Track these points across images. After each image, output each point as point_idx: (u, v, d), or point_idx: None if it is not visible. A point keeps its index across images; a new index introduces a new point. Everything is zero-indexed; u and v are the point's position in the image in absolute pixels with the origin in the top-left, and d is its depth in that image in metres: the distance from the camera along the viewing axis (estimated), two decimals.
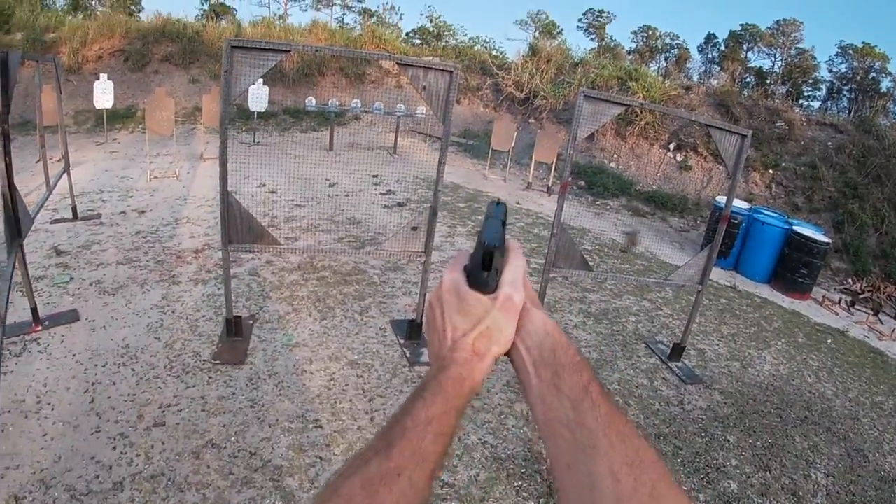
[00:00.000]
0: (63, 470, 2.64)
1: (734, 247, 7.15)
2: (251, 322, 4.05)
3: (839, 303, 6.80)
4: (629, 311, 5.30)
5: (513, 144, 10.05)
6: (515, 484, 2.92)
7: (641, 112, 10.36)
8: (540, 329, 0.59)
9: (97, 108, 8.23)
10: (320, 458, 2.78)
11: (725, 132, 3.97)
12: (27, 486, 2.54)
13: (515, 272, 0.61)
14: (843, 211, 8.40)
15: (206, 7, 22.82)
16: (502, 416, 3.43)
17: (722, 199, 7.43)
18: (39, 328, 3.80)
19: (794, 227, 6.88)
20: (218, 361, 3.54)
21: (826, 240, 6.79)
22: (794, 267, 6.67)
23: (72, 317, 3.99)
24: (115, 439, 2.86)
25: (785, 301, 6.55)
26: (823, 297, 6.89)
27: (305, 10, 35.18)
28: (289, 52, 3.19)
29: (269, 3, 32.66)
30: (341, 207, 7.15)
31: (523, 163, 10.58)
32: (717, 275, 6.87)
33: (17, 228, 3.49)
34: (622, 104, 3.77)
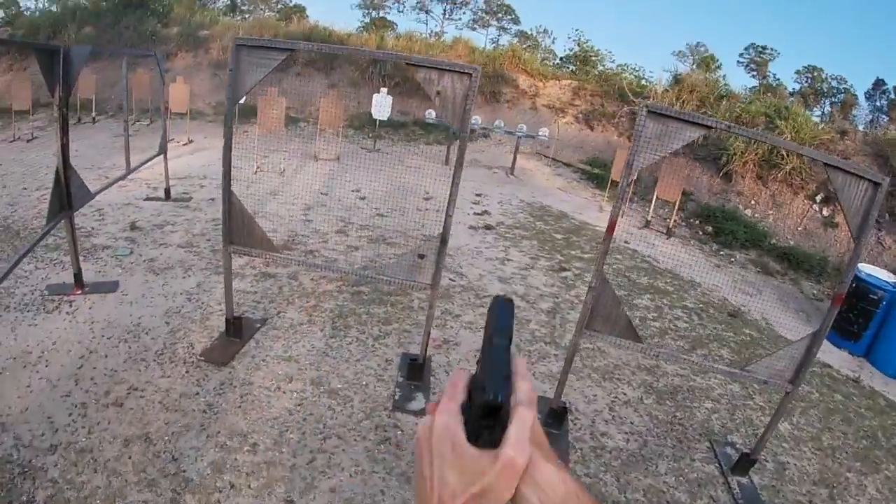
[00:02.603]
0: (21, 420, 2.98)
1: (868, 328, 5.90)
2: (258, 325, 4.19)
3: None
4: (709, 393, 4.53)
5: (634, 177, 9.49)
6: None
7: (788, 155, 9.41)
8: (558, 489, 0.54)
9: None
10: (231, 485, 2.76)
11: (849, 176, 2.98)
12: None
13: (521, 427, 0.54)
14: None
15: (366, 20, 25.01)
16: None
17: (865, 268, 6.26)
18: (79, 292, 4.31)
19: None
20: (203, 358, 3.71)
21: None
22: None
23: (111, 287, 4.47)
24: (76, 407, 3.14)
25: None
26: None
27: (461, 30, 36.93)
28: (293, 50, 3.26)
29: (426, 21, 34.79)
30: (424, 222, 7.16)
31: (649, 199, 9.94)
32: (841, 361, 5.76)
33: (69, 202, 4.02)
34: (701, 125, 3.02)
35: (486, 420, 0.54)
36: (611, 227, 3.22)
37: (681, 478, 3.52)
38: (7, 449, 2.78)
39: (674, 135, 2.97)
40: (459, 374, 0.59)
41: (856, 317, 5.92)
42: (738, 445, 3.91)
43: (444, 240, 3.47)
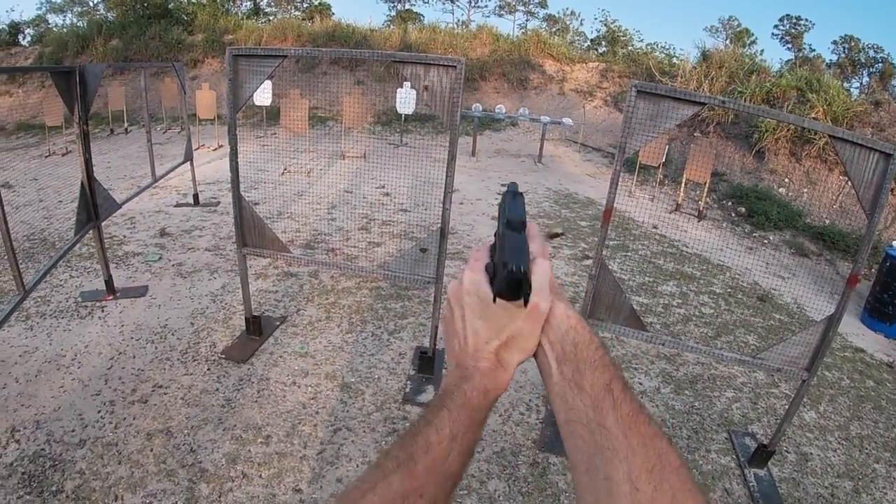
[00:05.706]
0: (54, 418, 3.27)
1: None
2: (278, 323, 4.41)
3: None
4: (731, 382, 4.42)
5: (663, 160, 9.40)
6: None
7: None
8: (563, 323, 0.59)
9: (257, 105, 9.60)
10: (243, 475, 2.96)
11: (858, 147, 2.79)
12: (24, 422, 3.21)
13: (542, 278, 0.60)
14: None
15: (392, 14, 25.37)
16: None
17: None
18: (110, 298, 4.62)
19: None
20: (224, 356, 3.95)
21: None
22: None
23: (140, 292, 4.77)
24: (105, 404, 3.41)
25: None
26: None
27: (488, 17, 36.86)
28: (285, 56, 3.37)
29: (452, 10, 34.94)
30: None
31: (679, 181, 9.81)
32: (876, 344, 5.55)
33: (96, 212, 4.32)
34: (694, 102, 2.91)
35: (511, 288, 0.57)
36: (607, 212, 3.25)
37: (694, 470, 3.47)
38: (40, 444, 3.05)
39: (666, 114, 2.90)
40: (482, 246, 0.65)
41: (890, 297, 5.70)
42: (758, 436, 3.81)
43: (443, 233, 3.55)
